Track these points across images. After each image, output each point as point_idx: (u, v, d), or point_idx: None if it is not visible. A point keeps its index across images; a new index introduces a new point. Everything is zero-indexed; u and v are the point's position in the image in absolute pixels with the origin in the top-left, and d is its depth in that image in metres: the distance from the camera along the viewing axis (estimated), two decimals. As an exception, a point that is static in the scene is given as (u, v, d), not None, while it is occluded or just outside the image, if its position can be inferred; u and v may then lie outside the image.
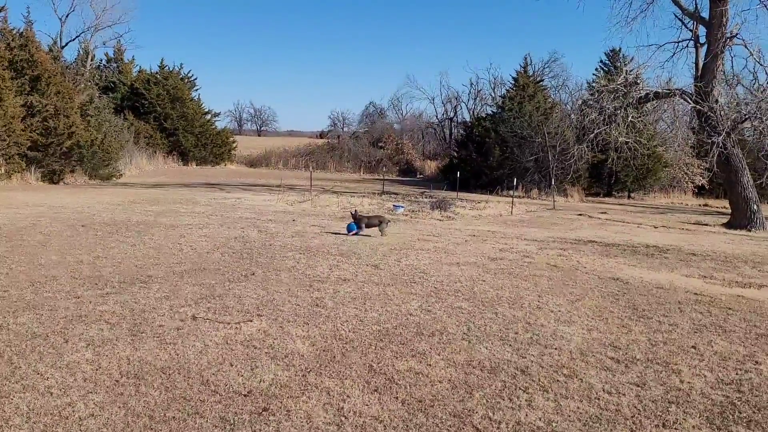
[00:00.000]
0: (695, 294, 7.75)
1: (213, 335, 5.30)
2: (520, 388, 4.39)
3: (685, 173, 39.25)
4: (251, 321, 5.75)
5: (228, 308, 6.15)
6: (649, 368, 4.90)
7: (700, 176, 38.88)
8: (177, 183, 27.36)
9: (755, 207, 21.47)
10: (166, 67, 45.42)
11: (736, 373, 4.87)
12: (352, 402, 4.07)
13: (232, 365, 4.63)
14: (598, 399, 4.26)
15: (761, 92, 24.07)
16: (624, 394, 4.35)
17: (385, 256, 9.57)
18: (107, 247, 9.33)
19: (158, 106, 42.31)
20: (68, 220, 12.23)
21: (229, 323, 5.65)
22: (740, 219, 21.49)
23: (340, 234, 11.92)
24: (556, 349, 5.28)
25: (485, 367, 4.79)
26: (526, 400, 4.19)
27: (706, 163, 36.79)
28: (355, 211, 12.84)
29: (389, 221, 12.76)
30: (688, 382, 4.62)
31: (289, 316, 5.95)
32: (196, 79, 47.87)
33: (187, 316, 5.83)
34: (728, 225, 21.49)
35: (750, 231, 20.36)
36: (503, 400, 4.20)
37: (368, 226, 11.98)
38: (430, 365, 4.78)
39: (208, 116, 46.62)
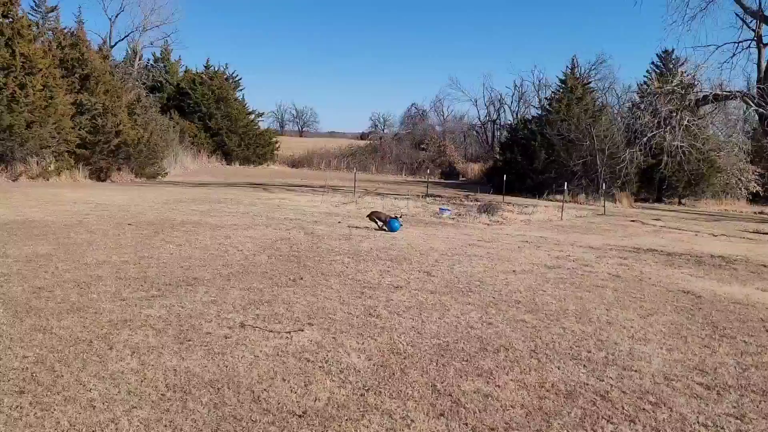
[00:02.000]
0: (778, 311, 7.12)
1: (263, 345, 4.97)
2: (603, 417, 3.92)
3: (739, 179, 37.68)
4: (302, 330, 5.42)
5: (277, 315, 5.83)
6: (744, 397, 4.37)
7: (755, 182, 37.37)
8: (221, 182, 27.46)
9: (821, 216, 20.30)
10: (212, 67, 45.97)
11: None
12: (417, 428, 3.68)
13: (284, 380, 4.29)
14: (695, 433, 3.77)
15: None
16: (723, 429, 3.85)
17: (437, 262, 9.15)
18: (153, 246, 9.16)
19: (203, 106, 42.75)
20: (114, 218, 12.17)
21: (279, 332, 5.32)
22: (805, 228, 20.36)
23: (386, 233, 11.55)
24: (635, 371, 4.78)
25: (560, 390, 4.33)
26: (612, 432, 3.74)
27: (764, 168, 35.40)
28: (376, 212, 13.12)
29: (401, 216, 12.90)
30: (794, 416, 4.09)
31: (342, 326, 5.59)
32: (240, 79, 48.36)
33: (235, 323, 5.53)
34: (791, 234, 20.37)
35: (815, 241, 19.25)
36: (586, 431, 3.75)
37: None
38: (498, 387, 4.35)
39: (252, 116, 46.97)
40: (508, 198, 26.83)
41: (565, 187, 22.84)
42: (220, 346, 4.90)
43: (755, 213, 33.89)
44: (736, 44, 22.48)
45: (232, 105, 44.58)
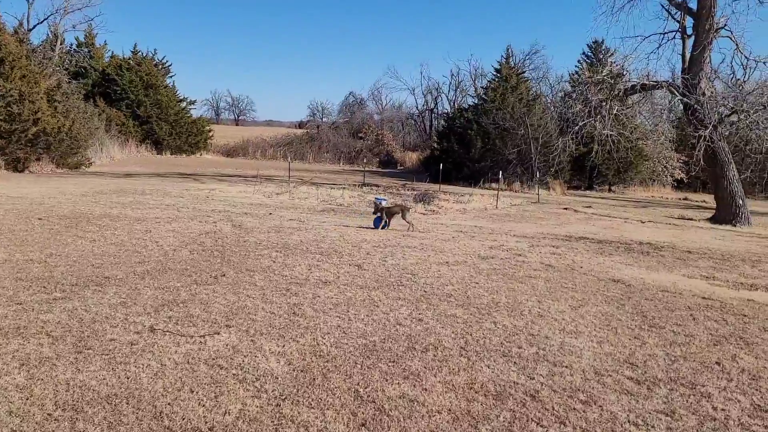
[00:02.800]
0: (703, 298, 7.19)
1: (172, 352, 4.55)
2: (532, 420, 3.73)
3: (665, 167, 39.15)
4: (218, 333, 5.02)
5: (192, 317, 5.41)
6: (674, 391, 4.27)
7: (680, 170, 38.95)
8: (149, 173, 26.33)
9: (740, 201, 21.15)
10: (140, 53, 44.15)
11: (773, 397, 4.27)
12: (336, 441, 3.39)
13: (192, 392, 3.91)
14: (625, 433, 3.63)
15: (739, 87, 23.84)
16: (654, 427, 3.72)
17: (369, 254, 8.87)
18: (63, 243, 8.49)
19: (131, 93, 40.99)
20: (24, 212, 11.31)
21: (192, 336, 4.91)
22: (725, 213, 21.16)
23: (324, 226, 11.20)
24: (566, 367, 4.63)
25: (490, 391, 4.12)
26: (541, 436, 3.54)
27: (688, 156, 36.82)
28: (378, 201, 12.35)
29: (410, 208, 12.26)
30: (722, 410, 4.01)
31: (263, 327, 5.22)
32: (170, 65, 46.72)
33: (144, 327, 5.08)
34: (713, 219, 21.16)
35: (735, 226, 20.05)
36: (515, 436, 3.54)
37: (389, 215, 11.59)
38: (426, 390, 4.10)
39: (183, 104, 45.40)
40: (444, 187, 26.87)
41: (501, 176, 22.98)
42: (123, 355, 4.45)
43: (680, 199, 35.32)
44: (662, 35, 22.97)
45: (162, 92, 42.90)
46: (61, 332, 4.85)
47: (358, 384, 4.14)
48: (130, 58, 43.35)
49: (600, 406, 3.97)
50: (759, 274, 9.25)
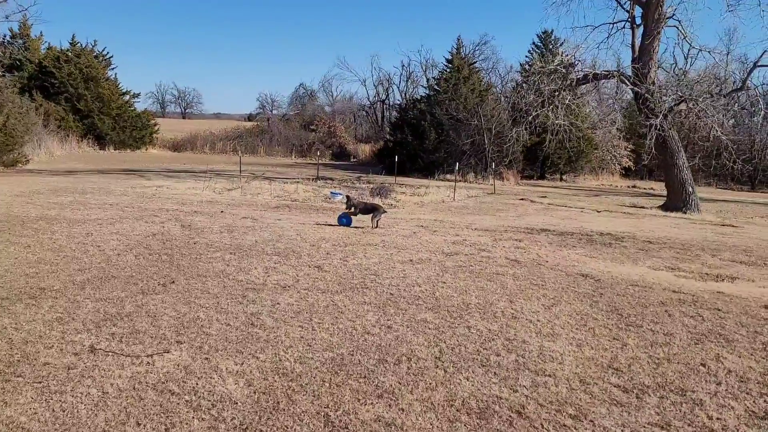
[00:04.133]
0: (674, 291, 7.04)
1: (116, 376, 4.05)
2: (522, 441, 3.40)
3: (613, 155, 39.95)
4: (168, 352, 4.52)
5: (139, 333, 4.88)
6: (665, 399, 4.02)
7: (627, 158, 39.81)
8: (91, 169, 25.13)
9: (690, 189, 21.57)
10: (78, 44, 42.12)
11: (765, 401, 4.07)
12: (307, 480, 2.98)
13: (140, 425, 3.43)
14: (623, 452, 3.33)
15: (681, 75, 24.28)
16: (651, 443, 3.44)
17: (329, 254, 8.43)
18: (-6, 250, 7.77)
19: (70, 86, 39.16)
20: (-48, 216, 10.42)
21: (138, 356, 4.40)
22: (676, 201, 21.55)
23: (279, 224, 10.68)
24: (549, 376, 4.33)
25: (472, 409, 3.78)
26: (534, 461, 3.22)
27: (635, 144, 37.56)
28: (348, 197, 11.89)
29: (386, 212, 11.71)
30: (718, 418, 3.78)
31: (218, 342, 4.75)
32: (111, 57, 44.77)
33: (84, 347, 4.54)
34: (664, 207, 21.51)
35: (685, 213, 20.42)
36: (506, 462, 3.20)
37: (365, 212, 11.19)
38: (403, 410, 3.72)
39: (127, 97, 43.63)
40: (400, 179, 26.57)
41: (456, 167, 22.81)
42: (59, 382, 3.92)
43: (629, 187, 36.03)
44: (611, 25, 23.20)
45: (104, 85, 41.09)
46: (-14, 357, 4.27)
47: (327, 407, 3.73)
48: (68, 50, 41.36)
49: (591, 421, 3.67)
50: (721, 264, 9.23)
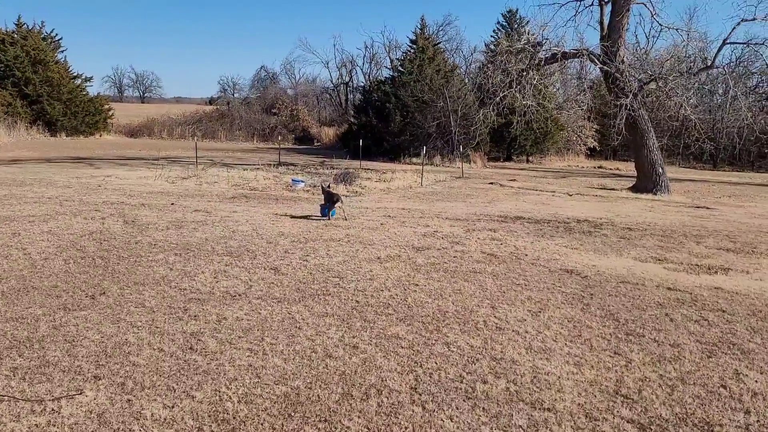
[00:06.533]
0: (669, 289, 6.41)
1: (7, 431, 3.17)
2: None
3: (578, 135, 39.78)
4: (81, 392, 3.65)
5: (49, 366, 3.99)
6: (688, 437, 3.33)
7: (592, 138, 39.70)
8: (38, 158, 23.59)
9: (660, 170, 21.22)
10: (25, 26, 39.87)
11: (804, 434, 3.41)
12: None
13: None
14: None
15: (644, 55, 23.90)
16: (687, 507, 2.73)
17: (288, 252, 7.58)
18: None
19: (17, 70, 37.05)
20: None
21: (42, 401, 3.52)
22: (646, 182, 21.19)
23: (233, 218, 9.76)
24: (549, 410, 3.60)
25: (460, 464, 3.02)
26: None
27: (600, 124, 37.39)
28: (328, 185, 11.11)
29: (341, 200, 10.70)
30: (757, 463, 3.10)
31: (146, 376, 3.89)
32: (60, 39, 42.60)
33: (-26, 390, 3.64)
34: (634, 189, 21.15)
35: (656, 195, 20.09)
36: None
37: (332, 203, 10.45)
38: (373, 471, 2.94)
39: (78, 81, 41.60)
40: (365, 163, 25.70)
41: (423, 151, 22.04)
42: (-72, 446, 3.04)
43: (595, 168, 35.80)
44: (579, 2, 22.59)
45: (53, 68, 39.03)
46: None
47: (277, 469, 2.93)
48: (14, 32, 39.11)
49: (607, 475, 2.95)
50: (708, 252, 8.69)
